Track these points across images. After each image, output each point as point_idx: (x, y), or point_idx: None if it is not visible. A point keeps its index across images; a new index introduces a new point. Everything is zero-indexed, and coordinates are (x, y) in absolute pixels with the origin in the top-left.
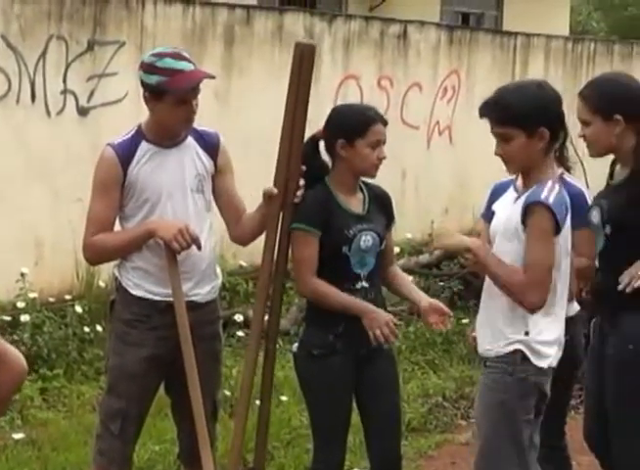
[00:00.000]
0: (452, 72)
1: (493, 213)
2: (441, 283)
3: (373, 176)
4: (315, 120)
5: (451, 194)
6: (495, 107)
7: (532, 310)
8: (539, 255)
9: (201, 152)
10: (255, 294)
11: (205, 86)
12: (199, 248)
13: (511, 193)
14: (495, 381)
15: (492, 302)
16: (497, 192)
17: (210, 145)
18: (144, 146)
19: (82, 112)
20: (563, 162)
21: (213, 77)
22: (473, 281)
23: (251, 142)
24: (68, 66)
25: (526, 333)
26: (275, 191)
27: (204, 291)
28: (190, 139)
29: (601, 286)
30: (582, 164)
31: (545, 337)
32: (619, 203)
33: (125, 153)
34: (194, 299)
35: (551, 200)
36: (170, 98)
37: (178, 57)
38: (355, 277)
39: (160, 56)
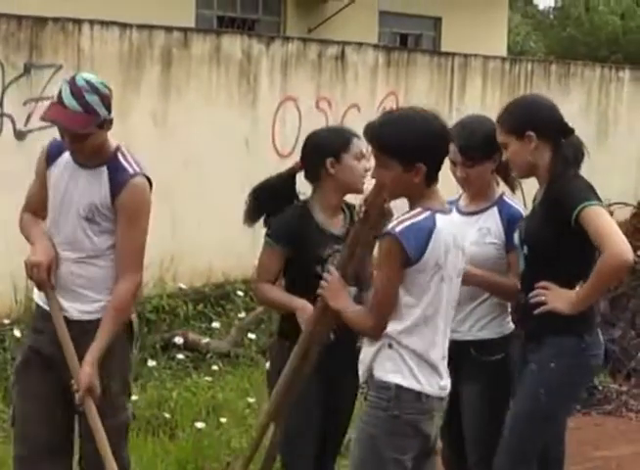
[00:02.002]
0: (390, 93)
1: None
2: None
3: (360, 191)
4: (253, 142)
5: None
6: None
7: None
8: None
9: (106, 184)
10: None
11: (142, 108)
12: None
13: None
14: (369, 414)
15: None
16: None
17: (118, 182)
18: (66, 156)
19: (19, 136)
20: (509, 181)
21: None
22: None
23: (190, 163)
24: (4, 89)
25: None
26: None
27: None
28: (104, 169)
29: (522, 306)
30: (520, 185)
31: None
32: (535, 223)
33: (53, 153)
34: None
35: (397, 229)
36: None
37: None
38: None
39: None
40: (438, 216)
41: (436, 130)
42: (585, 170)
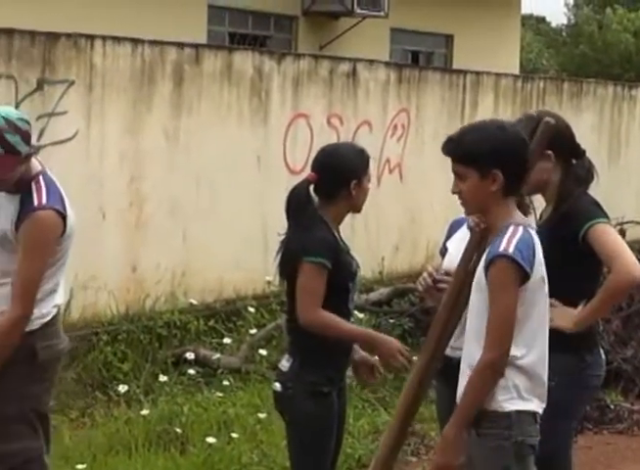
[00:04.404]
0: (401, 111)
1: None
2: (392, 320)
3: (360, 211)
4: (265, 158)
5: (402, 231)
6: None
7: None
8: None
9: (13, 213)
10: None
11: (154, 124)
12: None
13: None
14: (493, 450)
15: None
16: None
17: (22, 213)
18: None
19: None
20: (522, 205)
21: None
22: (423, 319)
23: (201, 180)
24: (17, 105)
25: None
26: None
27: None
28: (18, 197)
29: None
30: (532, 204)
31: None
32: (541, 240)
33: None
34: None
35: (510, 249)
36: None
37: None
38: (349, 313)
39: None
40: (530, 231)
41: (510, 136)
42: (597, 188)
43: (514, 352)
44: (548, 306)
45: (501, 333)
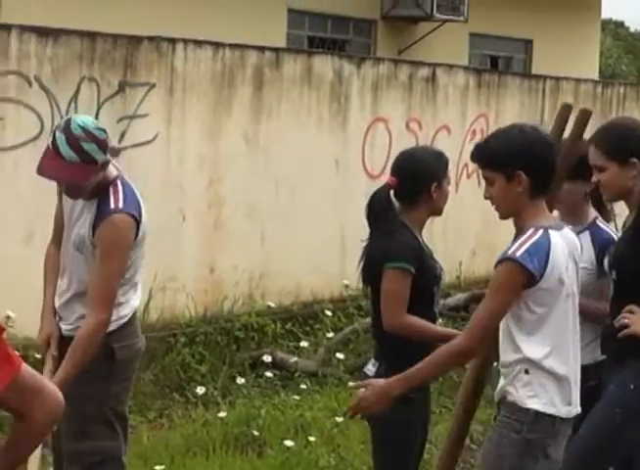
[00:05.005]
0: (480, 116)
1: None
2: None
3: (441, 214)
4: (343, 162)
5: (479, 236)
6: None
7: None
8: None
9: (91, 218)
10: None
11: (234, 128)
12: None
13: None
14: (501, 435)
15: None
16: None
17: (100, 216)
18: None
19: (113, 153)
20: (603, 212)
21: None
22: None
23: (280, 183)
24: (99, 107)
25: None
26: None
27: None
28: (95, 201)
29: (608, 330)
30: (613, 211)
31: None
32: (623, 248)
33: None
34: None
35: (518, 253)
36: None
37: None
38: (435, 317)
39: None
40: (551, 232)
41: (531, 137)
42: None
43: (534, 353)
44: (574, 310)
45: (481, 328)
